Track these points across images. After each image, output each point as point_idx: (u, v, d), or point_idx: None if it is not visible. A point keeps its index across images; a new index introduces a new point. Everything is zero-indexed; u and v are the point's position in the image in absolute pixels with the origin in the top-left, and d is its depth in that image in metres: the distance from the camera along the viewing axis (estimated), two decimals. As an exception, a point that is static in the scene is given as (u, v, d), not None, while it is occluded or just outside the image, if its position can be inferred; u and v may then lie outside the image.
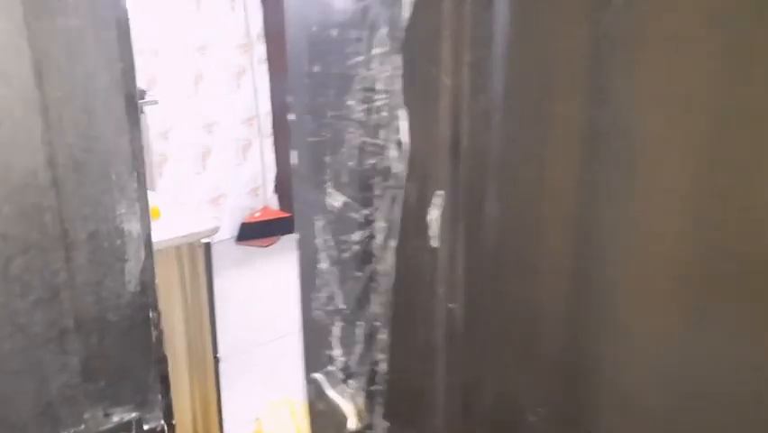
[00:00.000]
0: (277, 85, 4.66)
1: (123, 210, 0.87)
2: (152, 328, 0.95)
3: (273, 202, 4.90)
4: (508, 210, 0.62)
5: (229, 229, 4.70)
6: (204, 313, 1.69)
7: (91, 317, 0.87)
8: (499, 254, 0.63)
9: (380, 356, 0.73)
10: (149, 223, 0.91)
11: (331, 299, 0.76)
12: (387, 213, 0.71)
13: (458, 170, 0.65)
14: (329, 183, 0.74)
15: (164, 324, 1.59)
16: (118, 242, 0.87)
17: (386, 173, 0.70)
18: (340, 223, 0.74)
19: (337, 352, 0.77)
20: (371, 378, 0.74)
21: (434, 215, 0.67)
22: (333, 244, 0.74)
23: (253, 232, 4.62)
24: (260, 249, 4.52)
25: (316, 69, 0.72)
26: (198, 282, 1.66)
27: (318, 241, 0.75)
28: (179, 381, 1.67)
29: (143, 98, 3.42)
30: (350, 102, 0.71)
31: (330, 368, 0.78)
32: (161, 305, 1.53)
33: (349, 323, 0.75)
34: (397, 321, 0.72)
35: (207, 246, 1.67)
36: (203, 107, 4.41)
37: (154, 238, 1.49)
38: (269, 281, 4.02)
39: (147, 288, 0.91)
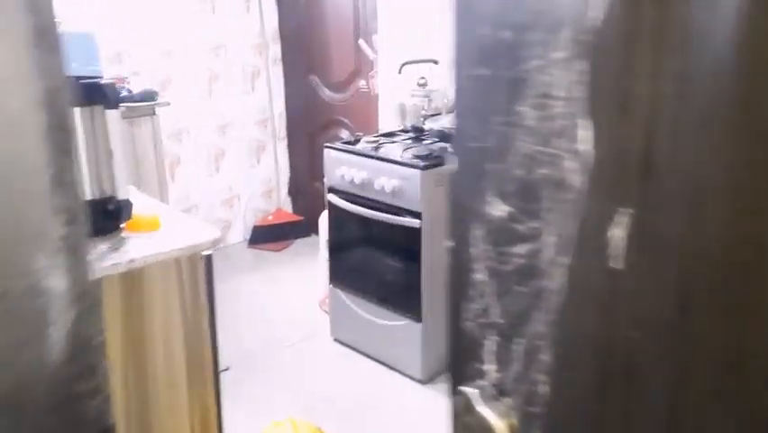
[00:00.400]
0: (291, 86, 4.61)
1: (44, 263, 0.69)
2: (90, 400, 0.77)
3: (287, 205, 4.84)
4: (712, 237, 0.58)
5: (242, 232, 4.64)
6: (204, 327, 1.64)
7: (1, 397, 0.70)
8: (695, 284, 0.60)
9: (542, 378, 0.69)
10: (83, 274, 0.74)
11: (485, 311, 0.72)
12: (558, 227, 0.67)
13: (649, 187, 0.61)
14: (490, 191, 0.70)
15: (160, 352, 1.54)
16: (37, 302, 0.70)
17: (559, 185, 0.66)
18: (501, 233, 0.70)
19: (490, 367, 0.73)
20: (530, 399, 0.70)
21: (615, 233, 0.63)
22: (492, 254, 0.70)
23: (266, 235, 4.56)
24: (273, 253, 4.46)
25: (483, 71, 0.68)
26: (198, 296, 1.61)
27: (474, 250, 0.71)
28: (178, 397, 1.62)
29: (155, 100, 3.36)
30: (521, 108, 0.67)
31: (481, 382, 0.74)
32: (161, 321, 1.48)
33: (506, 338, 0.71)
34: (565, 344, 0.68)
35: (209, 259, 1.63)
36: (217, 108, 4.35)
37: (153, 250, 1.45)
38: (281, 287, 3.97)
39: (80, 354, 0.74)
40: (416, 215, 2.71)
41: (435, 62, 3.22)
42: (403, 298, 2.91)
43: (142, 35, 3.94)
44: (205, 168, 4.39)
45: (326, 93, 4.37)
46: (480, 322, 0.73)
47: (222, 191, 4.51)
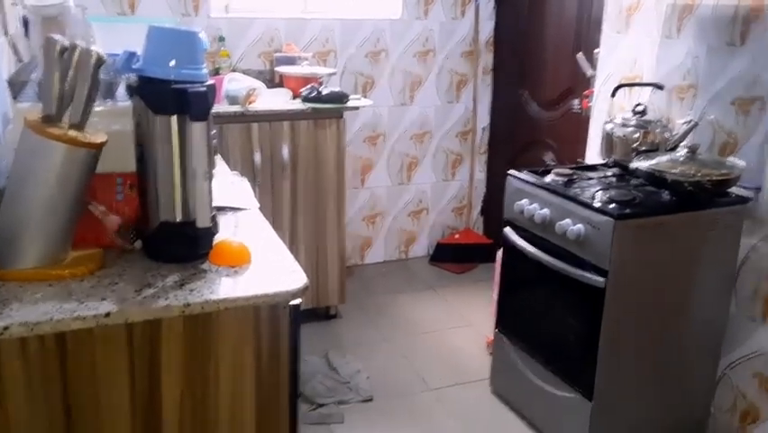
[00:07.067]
0: (499, 100, 4.24)
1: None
2: None
3: (478, 225, 4.49)
4: None
5: (426, 246, 4.39)
6: (282, 383, 1.35)
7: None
8: None
9: None
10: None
11: None
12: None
13: None
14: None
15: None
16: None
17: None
18: None
19: None
20: None
21: None
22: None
23: (449, 254, 4.26)
24: (452, 275, 4.14)
25: None
26: (278, 352, 1.30)
27: None
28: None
29: (344, 102, 3.18)
30: None
31: None
32: (228, 372, 1.18)
33: None
34: None
35: (295, 309, 1.30)
36: (416, 116, 4.14)
37: (228, 293, 1.15)
38: (451, 314, 3.63)
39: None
40: (602, 272, 2.20)
41: (660, 87, 2.64)
42: (575, 367, 2.41)
43: (350, 36, 3.85)
44: (396, 176, 4.21)
45: (534, 109, 3.93)
46: None
47: (411, 202, 4.30)
